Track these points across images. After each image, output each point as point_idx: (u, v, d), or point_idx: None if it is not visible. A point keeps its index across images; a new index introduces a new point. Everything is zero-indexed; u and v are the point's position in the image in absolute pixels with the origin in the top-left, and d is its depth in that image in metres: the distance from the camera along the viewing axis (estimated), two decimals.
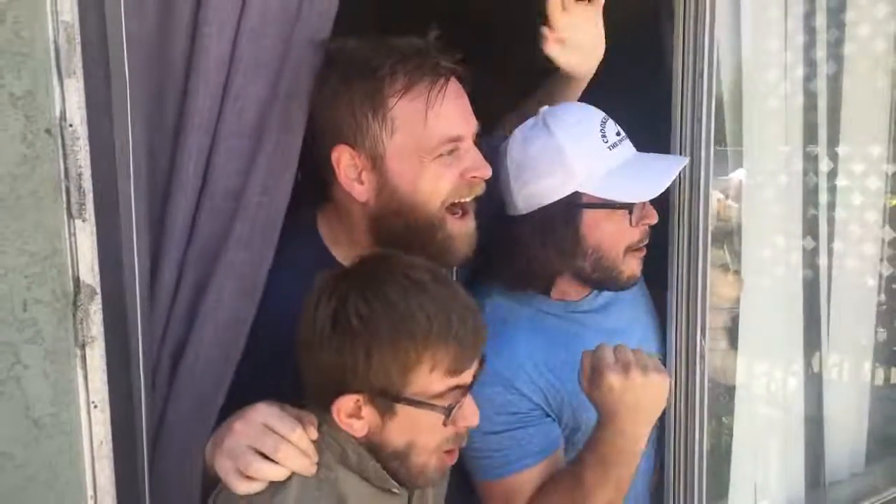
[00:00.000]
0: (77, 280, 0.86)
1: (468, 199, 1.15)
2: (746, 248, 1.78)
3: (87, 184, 0.86)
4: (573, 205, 1.24)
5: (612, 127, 1.27)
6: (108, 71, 0.88)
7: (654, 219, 1.30)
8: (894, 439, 2.17)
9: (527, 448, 1.26)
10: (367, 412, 0.94)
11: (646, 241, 1.31)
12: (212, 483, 0.98)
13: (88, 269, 0.87)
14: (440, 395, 0.94)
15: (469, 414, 0.97)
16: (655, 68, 1.55)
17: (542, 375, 1.29)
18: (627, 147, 1.28)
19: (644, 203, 1.27)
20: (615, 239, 1.27)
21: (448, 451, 1.00)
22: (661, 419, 1.53)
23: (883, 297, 2.21)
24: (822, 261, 1.97)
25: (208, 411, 1.00)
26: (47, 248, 0.84)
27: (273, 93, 1.09)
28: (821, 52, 1.89)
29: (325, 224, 1.21)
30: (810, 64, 1.88)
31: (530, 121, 1.30)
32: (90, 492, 0.90)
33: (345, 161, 1.10)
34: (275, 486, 0.93)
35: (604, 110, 1.29)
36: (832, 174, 1.99)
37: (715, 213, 2.03)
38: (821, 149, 1.93)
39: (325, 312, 0.92)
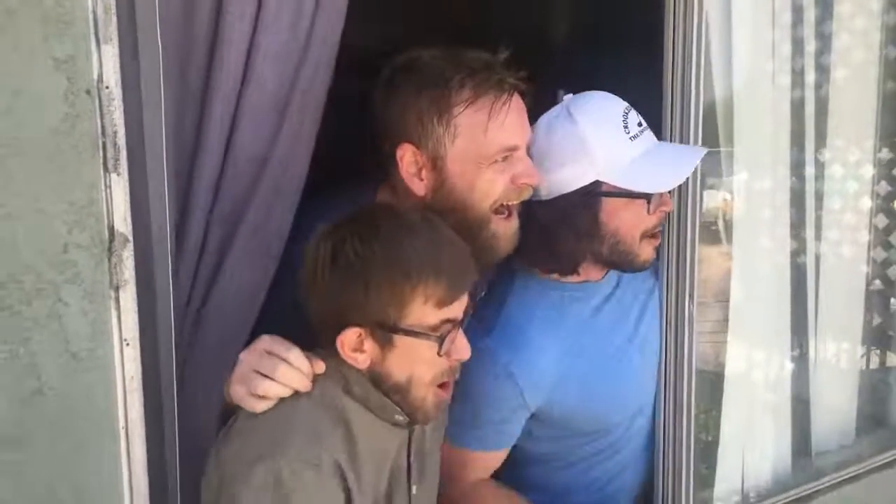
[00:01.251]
0: (112, 228, 0.95)
1: (516, 203, 1.24)
2: (739, 236, 1.84)
3: (122, 141, 0.95)
4: (593, 193, 1.30)
5: (634, 117, 1.32)
6: (138, 39, 0.97)
7: (670, 206, 1.36)
8: (883, 419, 2.24)
9: (503, 438, 1.38)
10: (369, 345, 1.03)
11: (661, 227, 1.37)
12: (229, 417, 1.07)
13: (122, 219, 0.96)
14: (434, 328, 1.03)
15: (461, 347, 1.07)
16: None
17: (551, 370, 1.35)
18: (649, 137, 1.33)
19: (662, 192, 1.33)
20: (633, 225, 1.33)
21: (442, 385, 1.09)
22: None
23: (877, 283, 2.28)
24: (814, 247, 2.03)
25: (229, 356, 1.09)
26: (85, 197, 0.93)
27: (291, 81, 1.18)
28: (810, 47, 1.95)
29: (385, 197, 1.30)
30: (802, 57, 1.93)
31: (554, 109, 1.35)
32: (122, 423, 0.98)
33: (408, 158, 1.21)
34: (285, 404, 1.02)
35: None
36: (823, 164, 2.05)
37: (719, 212, 2.12)
38: (809, 143, 1.98)
39: (326, 253, 1.02)
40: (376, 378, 1.05)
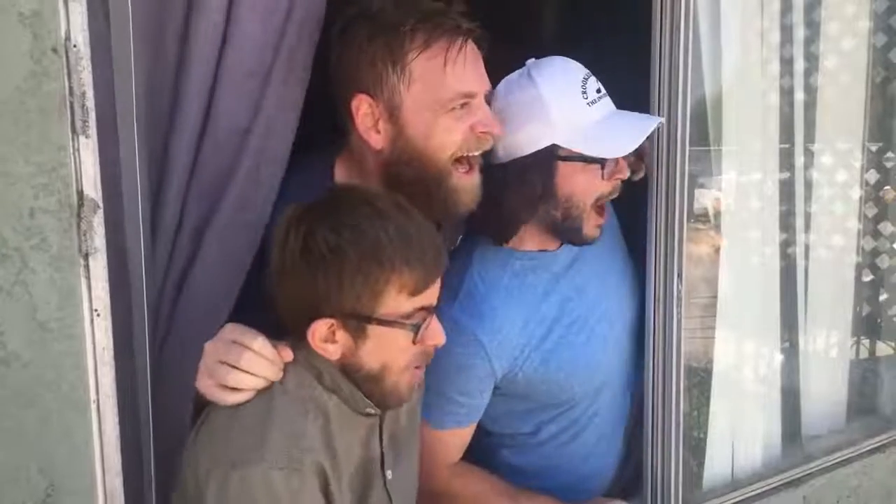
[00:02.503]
0: (80, 193, 0.92)
1: (476, 154, 1.21)
2: (728, 227, 1.83)
3: (90, 102, 0.91)
4: (550, 157, 1.29)
5: (593, 83, 1.32)
6: None
7: (625, 174, 1.35)
8: (872, 408, 2.23)
9: (474, 410, 1.39)
10: (341, 336, 1.00)
11: (615, 195, 1.37)
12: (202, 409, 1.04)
13: (91, 184, 0.92)
14: (408, 316, 1.01)
15: (435, 332, 1.05)
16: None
17: (516, 336, 1.36)
18: (607, 104, 1.33)
19: (618, 158, 1.33)
20: (586, 191, 1.33)
21: (416, 368, 1.06)
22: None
23: (867, 272, 2.27)
24: (804, 237, 2.03)
25: (213, 330, 1.06)
26: (53, 160, 0.90)
27: (275, 41, 1.15)
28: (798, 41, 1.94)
29: (341, 170, 1.27)
30: (790, 53, 1.92)
31: (516, 73, 1.35)
32: (93, 395, 0.95)
33: (363, 110, 1.17)
34: (260, 398, 1.00)
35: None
36: (812, 154, 2.04)
37: (713, 210, 2.10)
38: (798, 134, 1.97)
39: (295, 244, 0.99)
40: (347, 368, 1.03)
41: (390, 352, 1.02)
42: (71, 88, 0.90)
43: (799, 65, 1.93)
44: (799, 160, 1.98)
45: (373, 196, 1.05)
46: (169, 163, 1.11)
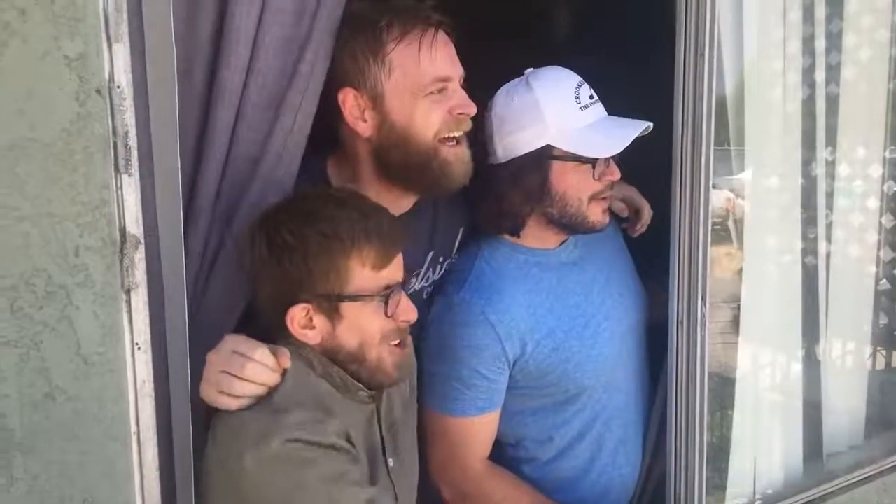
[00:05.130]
0: (123, 230, 0.94)
1: (458, 134, 1.29)
2: (749, 237, 1.84)
3: (133, 141, 0.93)
4: (544, 156, 1.39)
5: (586, 90, 1.42)
6: (150, 38, 0.96)
7: (615, 175, 1.44)
8: (893, 420, 2.23)
9: (494, 396, 1.43)
10: (318, 320, 1.06)
11: (608, 193, 1.45)
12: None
13: (133, 220, 0.95)
14: (376, 291, 1.07)
15: (406, 308, 1.11)
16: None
17: (524, 319, 1.42)
18: (599, 109, 1.42)
19: (608, 160, 1.42)
20: (579, 189, 1.41)
21: (397, 345, 1.12)
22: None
23: (884, 283, 2.27)
24: (824, 248, 2.03)
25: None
26: (97, 199, 0.92)
27: (290, 75, 1.18)
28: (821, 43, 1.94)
29: (334, 168, 1.36)
30: (812, 57, 1.93)
31: (516, 80, 1.44)
32: (133, 427, 0.97)
33: (350, 102, 1.25)
34: (266, 399, 1.04)
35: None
36: (833, 164, 2.04)
37: (724, 212, 2.11)
38: (820, 143, 1.98)
39: (262, 242, 1.05)
40: (330, 353, 1.08)
41: (365, 329, 1.08)
42: (114, 128, 0.92)
43: (819, 76, 1.93)
44: (819, 169, 1.98)
45: (326, 189, 1.15)
46: (197, 193, 1.13)
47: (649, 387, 1.64)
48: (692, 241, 1.51)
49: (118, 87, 0.91)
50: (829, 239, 2.04)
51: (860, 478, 1.92)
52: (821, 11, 1.92)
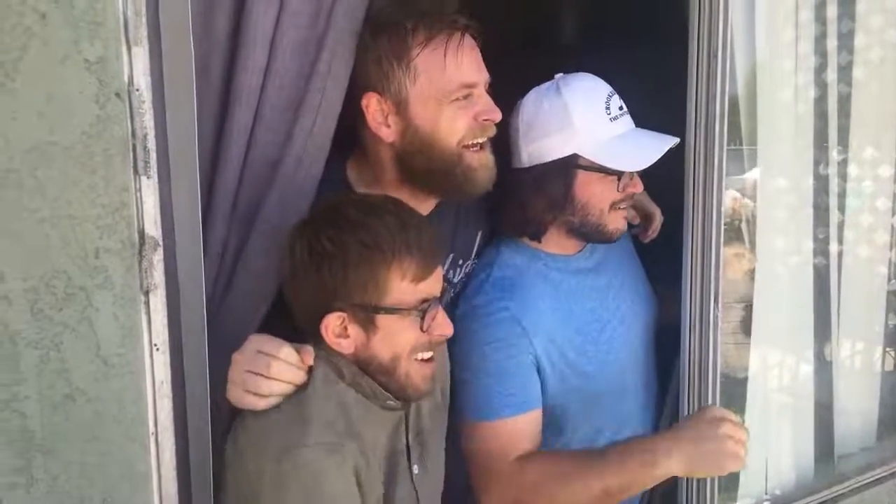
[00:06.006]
0: (142, 232, 0.94)
1: (483, 140, 1.28)
2: (761, 238, 1.83)
3: (152, 144, 0.94)
4: (570, 165, 1.37)
5: (616, 101, 1.39)
6: (167, 41, 0.96)
7: (638, 188, 1.42)
8: None
9: (531, 393, 1.38)
10: (352, 330, 1.05)
11: (630, 203, 1.45)
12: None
13: (152, 223, 0.95)
14: (413, 304, 1.06)
15: (442, 323, 1.09)
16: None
17: (547, 318, 1.40)
18: (628, 121, 1.40)
19: (632, 172, 1.40)
20: (601, 199, 1.40)
21: (426, 360, 1.10)
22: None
23: (895, 283, 2.26)
24: (836, 248, 2.02)
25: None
26: (116, 201, 0.92)
27: (308, 75, 1.18)
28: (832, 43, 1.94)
29: (354, 170, 1.34)
30: (823, 56, 1.93)
31: (545, 84, 1.42)
32: (152, 428, 0.98)
33: (373, 106, 1.23)
34: (289, 401, 1.04)
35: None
36: (844, 164, 2.04)
37: (730, 211, 2.10)
38: (832, 139, 1.97)
39: (303, 248, 1.04)
40: (362, 363, 1.07)
41: (399, 342, 1.06)
42: (133, 131, 0.92)
43: (830, 76, 1.93)
44: (829, 169, 1.98)
45: (367, 196, 1.14)
46: (215, 195, 1.14)
47: (658, 391, 1.63)
48: (705, 242, 1.51)
49: (137, 90, 0.92)
50: (839, 240, 2.03)
51: (872, 479, 1.91)
52: (832, 11, 1.92)
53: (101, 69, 0.90)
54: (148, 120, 0.93)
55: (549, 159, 1.37)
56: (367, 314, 1.04)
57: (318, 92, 1.18)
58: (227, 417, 1.08)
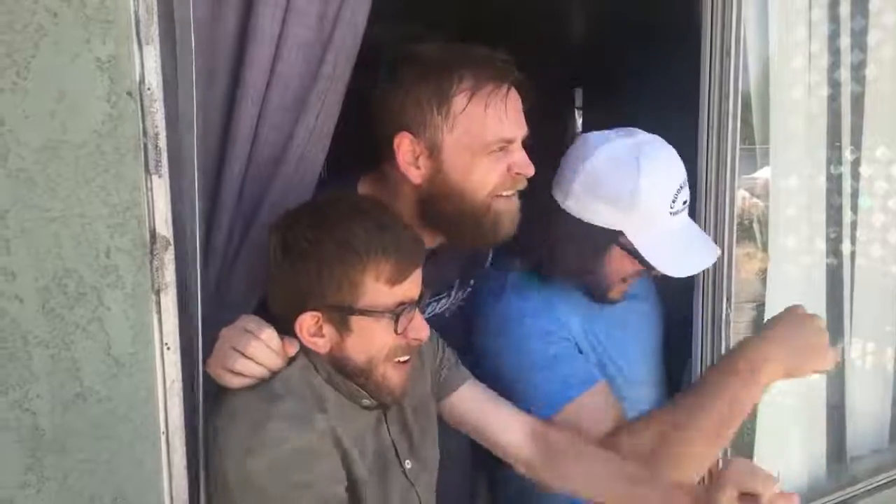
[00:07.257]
0: (153, 231, 0.94)
1: (511, 193, 1.24)
2: (773, 238, 1.82)
3: (163, 143, 0.94)
4: (612, 237, 1.33)
5: (684, 194, 1.34)
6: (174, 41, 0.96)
7: (660, 274, 1.37)
8: None
9: (586, 369, 1.34)
10: (328, 330, 1.03)
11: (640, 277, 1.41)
12: None
13: (163, 222, 0.95)
14: (388, 307, 1.03)
15: (418, 326, 1.07)
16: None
17: (576, 319, 1.38)
18: (684, 217, 1.36)
19: None
20: (621, 272, 1.36)
21: (403, 362, 1.08)
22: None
23: None
24: (849, 248, 2.01)
25: None
26: (127, 200, 0.92)
27: (313, 74, 1.17)
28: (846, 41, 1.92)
29: (366, 189, 1.29)
30: (835, 55, 1.91)
31: (623, 143, 1.33)
32: (163, 427, 0.98)
33: (405, 147, 1.20)
34: (264, 386, 1.02)
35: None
36: (856, 163, 2.02)
37: (740, 210, 2.08)
38: (844, 139, 1.96)
39: (277, 243, 1.03)
40: (337, 363, 1.06)
41: (374, 345, 1.05)
42: (145, 130, 0.92)
43: (844, 75, 1.92)
44: (842, 169, 1.97)
45: (351, 195, 1.10)
46: (220, 194, 1.13)
47: (669, 393, 1.61)
48: (717, 242, 1.50)
49: (148, 88, 0.92)
50: (852, 239, 2.02)
51: (884, 481, 1.90)
52: (845, 9, 1.91)
53: (113, 68, 0.89)
54: (160, 118, 0.93)
55: (596, 222, 1.32)
56: (341, 315, 1.02)
57: (321, 92, 1.17)
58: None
